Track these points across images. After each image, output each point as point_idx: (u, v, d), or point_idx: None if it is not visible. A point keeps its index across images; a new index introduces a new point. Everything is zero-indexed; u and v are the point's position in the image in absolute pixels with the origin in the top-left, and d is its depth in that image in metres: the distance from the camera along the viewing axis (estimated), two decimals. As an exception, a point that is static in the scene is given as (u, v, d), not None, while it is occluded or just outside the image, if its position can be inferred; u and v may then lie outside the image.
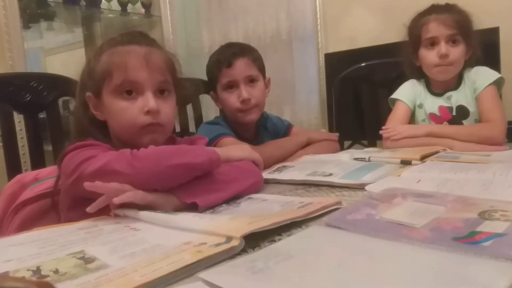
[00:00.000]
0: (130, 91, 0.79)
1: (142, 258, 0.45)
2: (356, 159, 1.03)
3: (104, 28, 2.51)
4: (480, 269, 0.39)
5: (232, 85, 1.29)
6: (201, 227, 0.53)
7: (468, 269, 0.39)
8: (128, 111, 0.79)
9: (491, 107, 1.22)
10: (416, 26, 1.29)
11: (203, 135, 1.21)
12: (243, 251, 0.47)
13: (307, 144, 1.28)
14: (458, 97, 1.29)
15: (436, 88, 1.34)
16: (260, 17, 2.48)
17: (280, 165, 1.07)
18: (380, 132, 1.29)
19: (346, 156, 1.08)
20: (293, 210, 0.62)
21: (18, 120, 1.37)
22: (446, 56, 1.23)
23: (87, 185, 0.62)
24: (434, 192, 0.67)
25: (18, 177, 0.94)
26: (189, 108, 1.56)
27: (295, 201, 0.68)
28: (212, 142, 1.19)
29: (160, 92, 0.82)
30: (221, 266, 0.43)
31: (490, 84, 1.24)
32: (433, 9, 1.27)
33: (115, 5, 2.40)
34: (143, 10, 2.54)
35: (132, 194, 0.63)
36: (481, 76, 1.27)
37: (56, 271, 0.43)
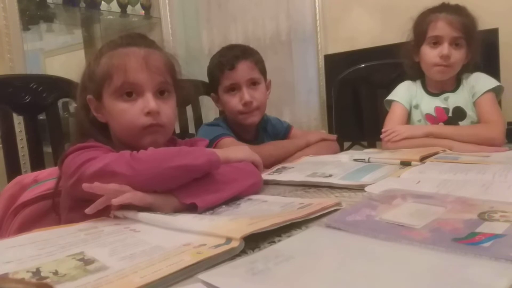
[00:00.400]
0: (130, 92, 0.79)
1: (142, 259, 0.45)
2: (355, 160, 1.04)
3: (104, 29, 2.51)
4: (480, 270, 0.39)
5: (234, 88, 1.29)
6: (200, 228, 0.53)
7: (468, 270, 0.39)
8: (129, 113, 0.79)
9: (490, 110, 1.23)
10: (424, 21, 1.28)
11: (203, 136, 1.21)
12: (242, 252, 0.47)
13: (306, 147, 1.28)
14: (455, 99, 1.30)
15: (432, 88, 1.34)
16: (260, 18, 2.48)
17: (279, 166, 1.07)
18: (381, 136, 1.29)
19: (346, 157, 1.08)
20: (293, 211, 0.62)
21: (18, 121, 1.38)
22: (447, 58, 1.23)
23: (86, 186, 0.62)
24: (434, 193, 0.67)
25: (18, 178, 0.94)
26: (189, 109, 1.56)
27: (294, 202, 0.68)
28: (212, 142, 1.20)
29: (160, 93, 0.82)
30: (221, 267, 0.43)
31: (489, 90, 1.25)
32: (443, 8, 1.27)
33: (114, 7, 2.40)
34: (143, 11, 2.54)
35: (130, 195, 0.63)
36: (481, 82, 1.28)
37: (55, 273, 0.43)
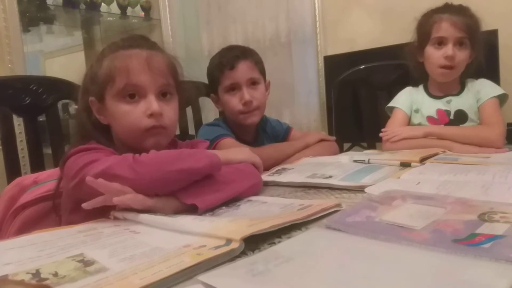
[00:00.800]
0: (132, 94, 0.79)
1: (142, 261, 0.45)
2: (355, 161, 1.04)
3: (104, 31, 2.52)
4: (480, 271, 0.39)
5: (234, 88, 1.29)
6: (200, 230, 0.53)
7: (468, 271, 0.39)
8: (131, 115, 0.79)
9: (493, 114, 1.24)
10: (428, 22, 1.29)
11: (203, 136, 1.21)
12: (242, 253, 0.47)
13: (304, 148, 1.28)
14: (458, 102, 1.30)
15: (436, 91, 1.34)
16: (260, 20, 2.48)
17: (279, 167, 1.07)
18: (380, 134, 1.29)
19: (346, 158, 1.08)
20: (293, 212, 0.62)
21: (18, 123, 1.38)
22: (452, 58, 1.24)
23: (89, 180, 0.62)
24: (434, 194, 0.67)
25: (18, 180, 0.94)
26: (189, 110, 1.56)
27: (294, 203, 0.68)
28: (213, 143, 1.20)
29: (162, 95, 0.82)
30: (220, 269, 0.43)
31: (494, 97, 1.26)
32: (446, 9, 1.27)
33: (114, 8, 2.41)
34: (143, 13, 2.54)
35: (131, 197, 0.63)
36: (487, 87, 1.29)
37: (55, 274, 0.43)
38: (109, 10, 2.40)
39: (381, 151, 1.26)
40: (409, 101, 1.36)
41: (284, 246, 0.49)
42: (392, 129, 1.29)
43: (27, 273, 0.43)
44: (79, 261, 0.46)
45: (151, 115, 0.79)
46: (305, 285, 0.38)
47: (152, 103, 0.79)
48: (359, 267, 0.41)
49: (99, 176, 0.65)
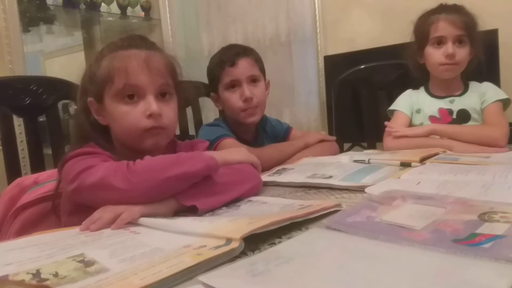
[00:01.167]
0: (131, 95, 0.79)
1: (142, 261, 0.45)
2: (355, 161, 1.04)
3: (104, 31, 2.52)
4: (480, 271, 0.39)
5: (234, 85, 1.29)
6: (200, 230, 0.53)
7: (468, 271, 0.39)
8: (130, 115, 0.79)
9: (496, 115, 1.24)
10: (425, 23, 1.29)
11: (204, 137, 1.21)
12: (243, 254, 0.47)
13: (304, 148, 1.28)
14: (462, 102, 1.30)
15: (439, 92, 1.34)
16: (259, 19, 2.48)
17: (279, 167, 1.07)
18: (386, 129, 1.30)
19: (346, 158, 1.08)
20: (293, 211, 0.62)
21: (18, 123, 1.38)
22: (452, 56, 1.24)
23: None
24: (434, 194, 0.67)
25: (18, 180, 0.94)
26: (189, 110, 1.56)
27: (294, 203, 0.68)
28: (213, 143, 1.19)
29: (161, 95, 0.82)
30: (221, 269, 0.43)
31: (498, 100, 1.27)
32: (442, 9, 1.28)
33: (114, 9, 2.40)
34: (143, 13, 2.54)
35: (126, 216, 0.62)
36: (492, 90, 1.29)
37: (55, 275, 0.43)
38: (109, 10, 2.40)
39: (381, 151, 1.26)
40: (409, 103, 1.37)
41: (284, 246, 0.49)
42: (395, 127, 1.30)
43: (28, 273, 0.43)
44: (80, 262, 0.46)
45: (150, 116, 0.78)
46: (305, 285, 0.38)
47: (151, 103, 0.78)
48: (359, 267, 0.41)
49: (94, 187, 0.65)
